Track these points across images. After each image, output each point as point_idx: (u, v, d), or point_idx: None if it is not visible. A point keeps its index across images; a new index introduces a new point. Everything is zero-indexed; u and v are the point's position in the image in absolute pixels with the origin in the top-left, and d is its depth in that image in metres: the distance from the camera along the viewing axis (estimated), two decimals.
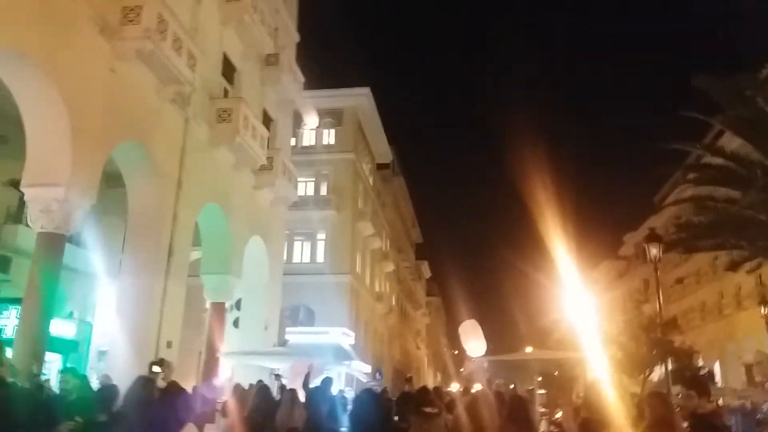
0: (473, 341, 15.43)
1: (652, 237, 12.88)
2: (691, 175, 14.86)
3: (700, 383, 4.89)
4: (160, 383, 8.66)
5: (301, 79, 23.38)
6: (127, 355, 13.62)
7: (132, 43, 12.42)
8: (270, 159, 19.93)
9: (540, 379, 21.16)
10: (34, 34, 10.38)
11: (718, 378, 35.52)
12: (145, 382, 6.25)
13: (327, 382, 9.49)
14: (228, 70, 18.42)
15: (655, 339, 15.63)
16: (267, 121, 20.97)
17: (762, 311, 22.90)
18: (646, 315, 16.64)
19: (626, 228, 66.32)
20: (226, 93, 18.26)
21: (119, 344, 13.82)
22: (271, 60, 20.78)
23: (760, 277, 37.70)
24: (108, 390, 7.54)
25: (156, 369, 9.75)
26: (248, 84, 19.43)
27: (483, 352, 15.77)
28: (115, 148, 13.25)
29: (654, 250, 12.69)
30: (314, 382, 10.96)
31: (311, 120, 16.68)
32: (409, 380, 14.60)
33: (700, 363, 37.23)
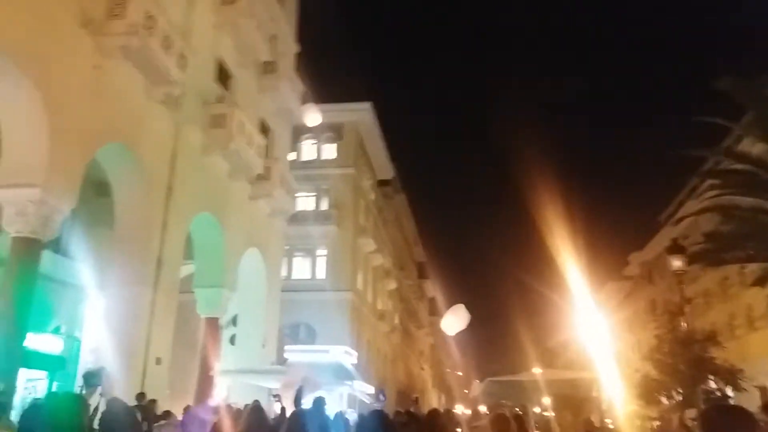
0: (453, 318, 15.09)
1: (675, 248, 12.02)
2: (711, 181, 14.05)
3: None
4: (96, 399, 7.55)
5: (300, 88, 22.73)
6: (112, 372, 12.73)
7: (117, 39, 11.78)
8: (267, 169, 19.20)
9: (550, 400, 20.14)
10: (10, 25, 9.71)
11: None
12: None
13: (319, 402, 8.53)
14: (223, 76, 17.77)
15: (696, 356, 14.26)
16: (265, 130, 20.28)
17: None
18: (682, 329, 15.13)
19: (631, 248, 65.49)
20: (221, 100, 17.58)
21: (105, 360, 12.92)
22: (268, 68, 20.17)
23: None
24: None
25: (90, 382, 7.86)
26: (244, 91, 18.77)
27: (455, 331, 15.41)
28: (100, 150, 12.54)
29: (677, 262, 11.83)
30: (307, 399, 10.00)
31: (314, 118, 16.00)
32: (415, 401, 13.66)
33: (712, 385, 36.10)
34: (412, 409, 13.13)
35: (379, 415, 5.93)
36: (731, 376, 16.80)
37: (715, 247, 12.74)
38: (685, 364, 13.33)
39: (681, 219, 19.63)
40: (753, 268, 14.14)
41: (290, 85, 21.50)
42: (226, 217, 17.15)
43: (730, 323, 40.73)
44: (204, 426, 11.40)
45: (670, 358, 13.66)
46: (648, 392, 15.05)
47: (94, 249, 15.95)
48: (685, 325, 13.86)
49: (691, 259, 12.62)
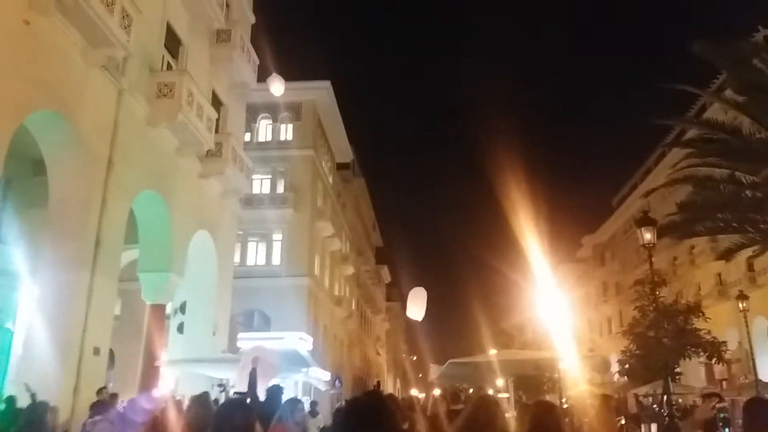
0: (416, 306, 14.78)
1: (646, 220, 11.62)
2: (671, 158, 13.68)
3: None
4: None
5: (256, 60, 21.46)
6: (45, 363, 11.53)
7: None
8: (219, 145, 17.98)
9: (509, 381, 19.84)
10: None
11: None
12: None
13: (275, 391, 7.69)
14: (172, 42, 16.43)
15: (679, 328, 13.47)
16: (217, 104, 19.00)
17: (740, 306, 22.10)
18: (665, 300, 14.18)
19: (584, 231, 66.59)
20: (169, 68, 16.27)
21: (35, 350, 11.70)
22: (222, 36, 18.87)
23: (719, 275, 37.68)
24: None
25: None
26: (195, 61, 17.45)
27: (419, 317, 15.35)
28: (31, 118, 11.21)
29: (648, 235, 11.42)
30: (263, 385, 9.12)
31: (278, 88, 14.96)
32: (377, 387, 12.94)
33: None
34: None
35: (377, 397, 4.78)
36: (714, 348, 16.05)
37: (686, 219, 12.37)
38: (669, 337, 12.66)
39: (650, 191, 19.31)
40: (702, 246, 13.60)
41: (245, 57, 20.23)
42: (174, 195, 15.92)
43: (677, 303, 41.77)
44: (145, 416, 10.45)
45: (653, 330, 12.92)
46: (631, 368, 14.33)
47: (30, 232, 14.56)
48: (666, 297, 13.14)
49: (662, 232, 12.25)
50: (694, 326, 13.36)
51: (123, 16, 12.21)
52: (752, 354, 23.38)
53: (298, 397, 16.98)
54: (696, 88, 12.68)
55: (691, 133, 13.56)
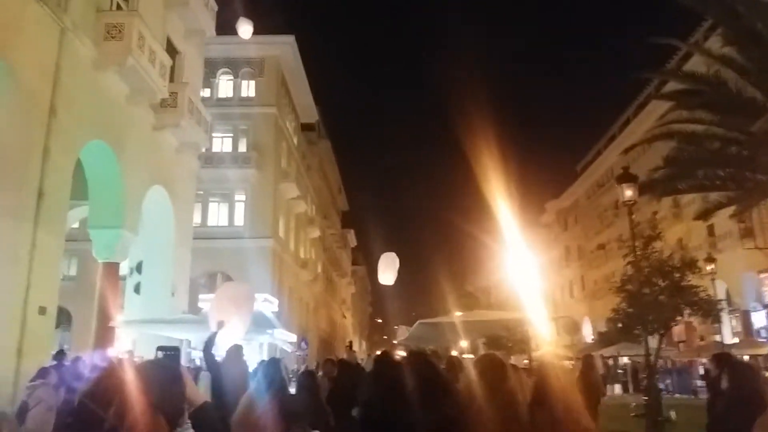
0: (387, 272, 14.53)
1: (626, 176, 11.22)
2: (667, 102, 13.19)
3: None
4: None
5: (215, 7, 20.20)
6: None
7: None
8: (174, 95, 16.91)
9: (473, 343, 19.70)
10: None
11: None
12: None
13: (235, 352, 7.10)
14: None
15: (675, 284, 12.86)
16: (172, 52, 17.81)
17: (707, 269, 22.29)
18: (655, 256, 13.41)
19: (548, 196, 67.06)
20: (119, 9, 15.02)
21: None
22: None
23: (680, 240, 38.32)
24: None
25: None
26: (148, 3, 16.17)
27: (390, 282, 15.36)
28: None
29: (629, 192, 11.05)
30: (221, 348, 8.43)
31: (246, 30, 14.02)
32: (349, 346, 12.47)
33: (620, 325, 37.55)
34: (345, 356, 12.01)
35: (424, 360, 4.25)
36: (711, 306, 15.29)
37: (668, 176, 12.04)
38: (665, 294, 12.07)
39: (630, 147, 18.93)
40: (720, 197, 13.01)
41: (202, 1, 18.98)
42: (125, 147, 14.90)
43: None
44: (96, 372, 9.75)
45: (647, 287, 12.32)
46: (625, 328, 13.64)
47: None
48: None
49: (642, 189, 11.90)
50: (690, 282, 12.76)
51: None
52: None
53: (263, 359, 16.46)
54: (677, 41, 12.20)
55: (671, 87, 13.09)
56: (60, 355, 11.91)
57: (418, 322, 14.27)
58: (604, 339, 34.50)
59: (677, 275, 12.33)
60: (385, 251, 15.80)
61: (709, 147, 11.04)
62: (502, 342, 23.14)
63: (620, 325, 13.12)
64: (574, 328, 22.33)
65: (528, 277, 24.19)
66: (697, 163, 11.30)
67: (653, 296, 12.00)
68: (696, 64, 16.99)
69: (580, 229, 59.05)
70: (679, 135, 11.97)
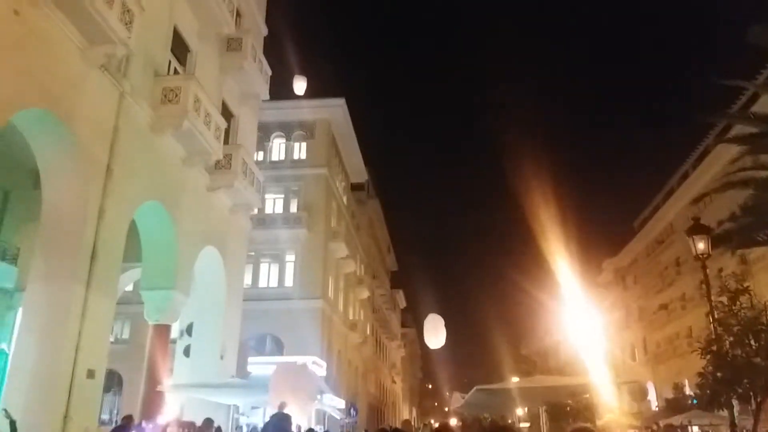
0: (437, 334, 14.18)
1: (698, 228, 10.35)
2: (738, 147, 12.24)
3: None
4: None
5: (269, 71, 20.66)
6: (32, 386, 10.46)
7: None
8: (228, 156, 17.07)
9: (544, 410, 18.37)
10: None
11: None
12: None
13: (281, 421, 6.67)
14: (179, 47, 15.64)
15: None
16: (227, 115, 18.17)
17: None
18: (743, 313, 11.82)
19: (604, 255, 64.71)
20: (176, 74, 15.45)
21: (20, 371, 10.63)
22: (232, 44, 18.10)
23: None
24: None
25: None
26: (204, 68, 16.65)
27: (439, 345, 14.56)
28: (24, 118, 10.36)
29: (701, 244, 10.15)
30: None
31: (300, 86, 14.21)
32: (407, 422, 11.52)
33: (688, 391, 34.85)
34: (400, 426, 11.17)
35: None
36: None
37: (743, 226, 11.02)
38: (761, 355, 10.58)
39: (702, 196, 17.61)
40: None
41: (257, 67, 19.43)
42: (179, 208, 14.95)
43: (707, 327, 39.81)
44: None
45: (739, 348, 10.88)
46: (714, 394, 12.00)
47: (29, 247, 13.66)
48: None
49: (715, 241, 10.92)
50: None
51: (123, 11, 11.40)
52: None
53: (312, 427, 15.72)
54: (745, 82, 11.51)
55: (739, 130, 12.26)
56: (128, 420, 11.65)
57: (475, 388, 13.36)
58: (671, 406, 32.19)
59: None
60: (435, 313, 15.31)
61: None
62: (565, 409, 21.59)
63: (708, 392, 11.60)
64: (641, 394, 20.70)
65: (590, 340, 22.90)
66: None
67: (746, 358, 10.64)
68: (764, 105, 16.06)
69: (640, 289, 56.45)
70: (755, 182, 11.06)
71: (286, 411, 8.13)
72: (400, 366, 68.70)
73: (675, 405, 31.39)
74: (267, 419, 7.41)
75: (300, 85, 13.46)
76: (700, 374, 11.66)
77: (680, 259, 46.42)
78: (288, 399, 7.50)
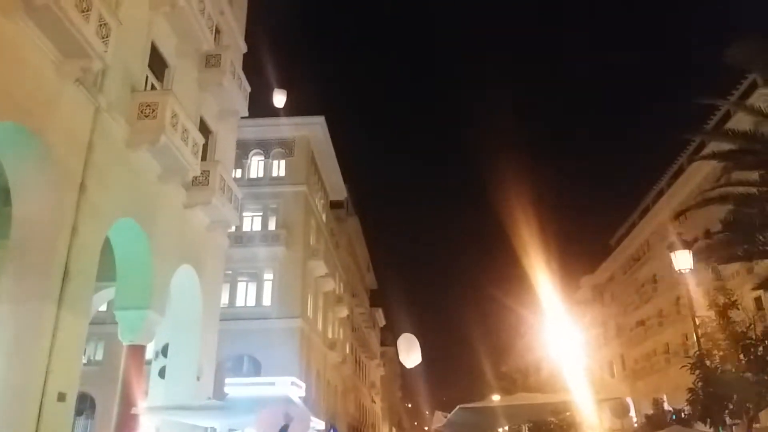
0: (411, 353, 15.28)
1: (681, 244, 10.39)
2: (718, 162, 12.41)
3: None
4: None
5: (248, 88, 20.52)
6: None
7: None
8: (206, 173, 16.82)
9: (527, 427, 18.23)
10: None
11: None
12: None
13: None
14: (157, 63, 15.45)
15: (762, 359, 11.26)
16: (205, 131, 17.95)
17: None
18: (731, 328, 11.65)
19: (580, 273, 65.22)
20: (153, 90, 15.23)
21: None
22: (211, 60, 17.96)
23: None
24: None
25: None
26: (182, 84, 16.45)
27: (414, 364, 15.81)
28: None
29: (683, 260, 10.19)
30: None
31: (280, 99, 14.17)
32: None
33: (667, 407, 35.00)
34: None
35: None
36: None
37: (723, 241, 11.12)
38: (752, 371, 10.48)
39: (682, 212, 17.80)
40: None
41: (236, 83, 19.28)
42: (155, 225, 14.63)
43: (683, 343, 40.10)
44: None
45: (728, 363, 10.78)
46: (704, 410, 11.77)
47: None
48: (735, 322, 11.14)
49: (696, 257, 10.97)
50: None
51: (100, 25, 11.20)
52: None
53: None
54: (721, 101, 11.75)
55: (715, 147, 12.46)
56: None
57: (458, 407, 13.19)
58: (652, 422, 32.28)
59: (760, 348, 10.82)
60: (413, 332, 15.37)
61: (761, 210, 10.21)
62: (549, 427, 21.45)
63: (700, 407, 11.47)
64: (623, 410, 20.66)
65: (570, 357, 22.91)
66: (754, 228, 10.43)
67: (736, 373, 10.56)
68: (738, 122, 16.42)
69: (617, 305, 56.96)
70: (734, 197, 11.20)
71: None
72: (379, 385, 68.05)
73: (655, 421, 31.50)
74: None
75: (279, 99, 13.42)
76: (690, 390, 11.58)
77: (657, 276, 46.99)
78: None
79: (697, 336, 10.63)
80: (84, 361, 20.51)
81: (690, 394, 11.49)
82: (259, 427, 10.27)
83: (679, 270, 10.54)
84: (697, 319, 10.66)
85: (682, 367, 12.02)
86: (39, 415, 10.35)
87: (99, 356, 30.12)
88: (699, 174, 36.79)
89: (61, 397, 11.10)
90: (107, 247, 13.60)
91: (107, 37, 11.46)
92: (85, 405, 28.13)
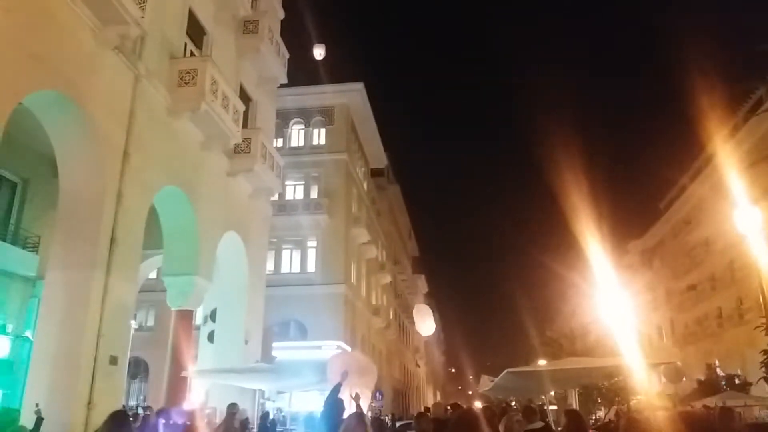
0: (425, 322, 16.06)
1: (747, 200, 9.76)
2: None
3: None
4: None
5: (286, 54, 20.31)
6: (55, 374, 10.37)
7: None
8: (247, 140, 16.80)
9: (576, 392, 17.94)
10: None
11: None
12: None
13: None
14: (195, 30, 15.36)
15: None
16: (245, 99, 17.87)
17: None
18: None
19: (628, 237, 63.49)
20: (192, 57, 15.17)
21: (42, 359, 10.54)
22: (249, 27, 17.77)
23: None
24: None
25: None
26: (221, 51, 16.35)
27: (431, 332, 16.83)
28: (37, 101, 10.18)
29: (748, 216, 9.52)
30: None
31: (319, 53, 14.07)
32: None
33: (719, 372, 34.01)
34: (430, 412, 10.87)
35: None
36: None
37: None
38: None
39: (751, 165, 16.59)
40: None
41: (274, 50, 19.08)
42: (199, 193, 14.74)
43: (737, 308, 38.75)
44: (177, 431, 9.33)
45: None
46: None
47: (50, 235, 13.60)
48: None
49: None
50: None
51: None
52: None
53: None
54: None
55: None
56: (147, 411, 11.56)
57: (506, 371, 12.94)
58: (703, 387, 31.52)
59: None
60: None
61: None
62: (601, 392, 21.14)
63: None
64: (678, 375, 20.07)
65: (621, 321, 22.33)
66: None
67: None
68: None
69: (667, 270, 55.36)
70: None
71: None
72: (423, 350, 68.59)
73: (708, 386, 30.72)
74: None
75: (319, 52, 13.17)
76: (765, 351, 11.08)
77: (708, 239, 45.32)
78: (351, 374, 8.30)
79: (763, 298, 10.07)
80: (136, 326, 21.19)
81: (765, 356, 10.97)
82: (331, 369, 10.47)
83: (743, 227, 9.89)
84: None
85: (756, 327, 11.47)
86: (93, 378, 10.67)
87: (150, 322, 31.12)
88: (755, 134, 35.09)
89: (113, 360, 11.42)
90: (154, 216, 13.79)
91: (144, 2, 11.37)
92: (140, 369, 29.24)
